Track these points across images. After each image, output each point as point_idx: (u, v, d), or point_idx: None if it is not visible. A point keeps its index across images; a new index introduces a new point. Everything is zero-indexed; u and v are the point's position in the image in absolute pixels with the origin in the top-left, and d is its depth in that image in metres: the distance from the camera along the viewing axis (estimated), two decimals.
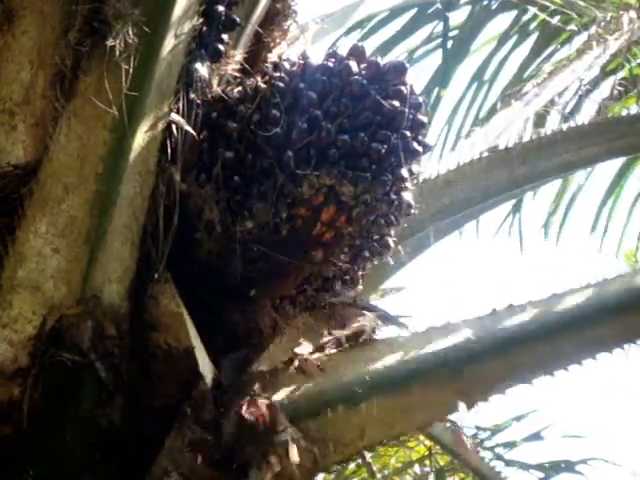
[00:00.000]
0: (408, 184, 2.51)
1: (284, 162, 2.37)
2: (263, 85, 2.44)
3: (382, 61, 2.47)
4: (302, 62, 2.47)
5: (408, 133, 2.44)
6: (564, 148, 3.42)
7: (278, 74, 2.45)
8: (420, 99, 2.48)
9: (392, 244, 2.59)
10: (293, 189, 2.38)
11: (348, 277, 2.63)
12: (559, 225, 5.62)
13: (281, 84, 2.42)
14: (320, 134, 2.37)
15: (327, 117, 2.39)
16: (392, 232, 2.58)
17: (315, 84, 2.42)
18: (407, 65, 2.50)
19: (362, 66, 2.45)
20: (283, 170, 2.38)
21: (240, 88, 2.49)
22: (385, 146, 2.40)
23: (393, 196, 2.48)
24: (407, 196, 2.53)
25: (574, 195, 5.58)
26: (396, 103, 2.41)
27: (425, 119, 2.49)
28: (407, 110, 2.42)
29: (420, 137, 2.49)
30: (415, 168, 2.52)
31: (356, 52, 2.48)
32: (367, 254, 2.58)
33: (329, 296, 2.63)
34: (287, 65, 2.48)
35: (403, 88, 2.44)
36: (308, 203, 2.41)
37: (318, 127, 2.38)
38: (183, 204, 2.41)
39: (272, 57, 2.74)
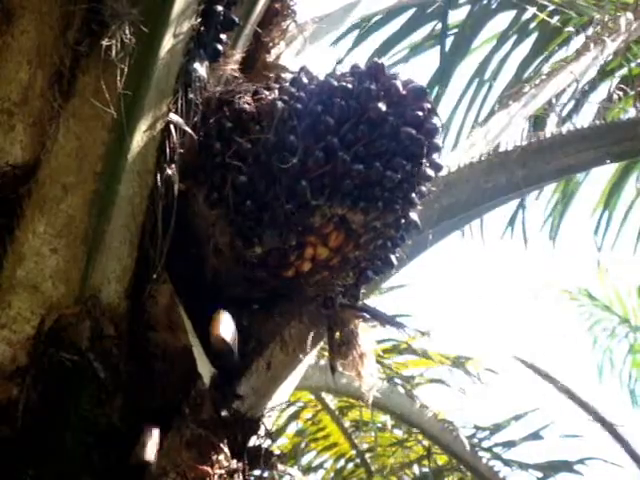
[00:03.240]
0: (418, 206, 2.50)
1: (299, 192, 2.35)
2: (280, 104, 2.39)
3: (401, 84, 2.42)
4: (320, 80, 2.43)
5: (423, 160, 2.41)
6: (563, 151, 3.43)
7: (295, 91, 2.41)
8: (437, 124, 2.43)
9: (395, 262, 2.59)
10: (305, 219, 2.37)
11: (350, 294, 2.63)
12: (557, 226, 5.62)
13: (299, 105, 2.38)
14: (336, 164, 2.34)
15: (343, 144, 2.35)
16: (397, 251, 2.57)
17: (333, 107, 2.37)
18: (427, 89, 2.47)
19: (380, 87, 2.41)
20: (296, 199, 2.35)
21: (256, 102, 2.44)
22: (399, 175, 2.37)
23: (402, 220, 2.47)
24: (414, 216, 2.51)
25: (573, 196, 5.58)
26: (413, 131, 2.38)
27: (440, 143, 2.46)
28: (423, 137, 2.39)
29: (433, 159, 2.46)
30: (425, 189, 2.49)
31: (375, 70, 2.43)
32: (371, 274, 2.59)
33: (331, 312, 2.63)
34: (305, 80, 2.44)
35: (421, 114, 2.40)
36: (318, 231, 2.40)
37: (334, 156, 2.34)
38: (190, 222, 2.40)
39: (270, 57, 2.74)
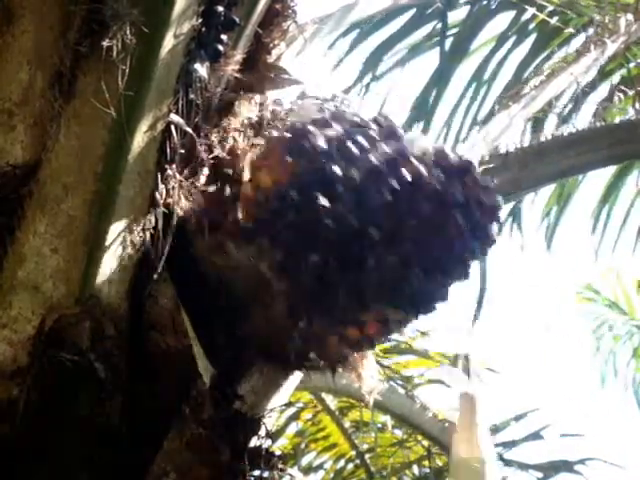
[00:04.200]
0: None
1: (359, 293, 2.36)
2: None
3: (484, 195, 2.40)
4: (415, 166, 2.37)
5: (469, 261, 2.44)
6: (563, 153, 3.44)
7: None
8: (494, 227, 2.44)
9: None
10: (356, 314, 2.40)
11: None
12: (554, 227, 5.63)
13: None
14: (408, 276, 2.36)
15: (419, 257, 2.37)
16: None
17: (420, 209, 2.33)
18: (475, 166, 2.43)
19: (466, 192, 2.37)
20: (355, 299, 2.37)
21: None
22: (448, 289, 2.44)
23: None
24: None
25: (571, 198, 5.58)
26: (479, 252, 2.43)
27: (495, 239, 2.45)
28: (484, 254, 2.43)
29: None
30: None
31: (464, 171, 2.39)
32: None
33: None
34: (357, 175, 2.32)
35: (493, 234, 2.43)
36: (360, 322, 2.43)
37: (409, 269, 2.35)
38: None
39: (271, 58, 2.74)
